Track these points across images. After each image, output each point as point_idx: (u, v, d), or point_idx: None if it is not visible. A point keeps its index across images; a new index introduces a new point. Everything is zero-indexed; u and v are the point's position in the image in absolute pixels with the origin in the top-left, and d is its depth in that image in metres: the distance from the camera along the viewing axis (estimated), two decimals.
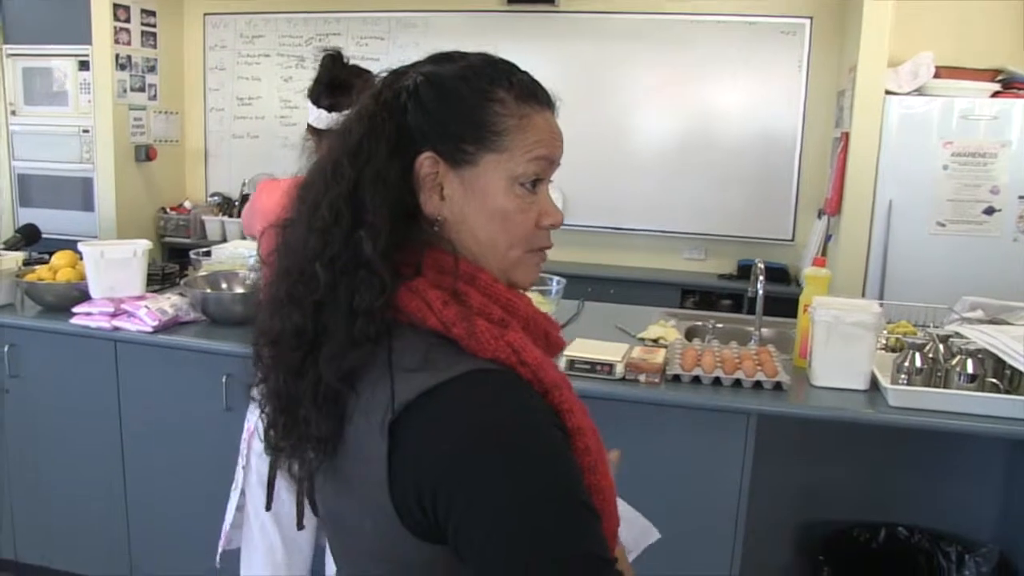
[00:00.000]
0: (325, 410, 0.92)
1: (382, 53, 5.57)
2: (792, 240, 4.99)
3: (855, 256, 4.26)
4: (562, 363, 2.45)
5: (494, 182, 0.96)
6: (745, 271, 4.83)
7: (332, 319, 0.91)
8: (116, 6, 5.47)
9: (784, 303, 3.23)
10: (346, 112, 1.01)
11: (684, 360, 2.45)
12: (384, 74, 1.01)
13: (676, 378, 2.42)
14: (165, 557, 2.95)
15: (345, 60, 2.24)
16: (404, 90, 0.97)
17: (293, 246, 0.97)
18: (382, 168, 0.93)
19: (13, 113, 5.87)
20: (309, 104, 2.25)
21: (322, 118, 2.20)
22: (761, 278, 2.81)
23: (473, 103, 0.96)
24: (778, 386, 2.37)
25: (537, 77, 1.07)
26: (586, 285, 4.71)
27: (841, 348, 2.38)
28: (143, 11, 5.67)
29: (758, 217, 5.07)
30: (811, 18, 4.84)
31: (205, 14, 5.96)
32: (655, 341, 2.79)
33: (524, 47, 5.31)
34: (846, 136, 4.29)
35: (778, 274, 4.62)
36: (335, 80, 2.18)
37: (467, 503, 0.82)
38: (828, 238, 4.55)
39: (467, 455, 0.83)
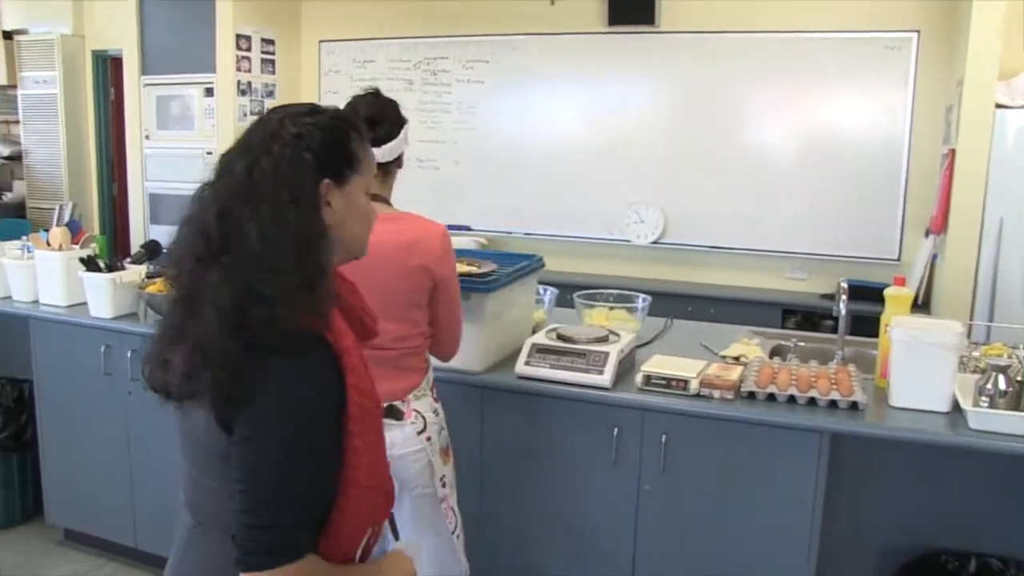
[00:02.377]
0: (230, 344, 1.26)
1: (487, 76, 5.73)
2: (898, 260, 4.86)
3: (962, 276, 4.14)
4: (638, 378, 2.50)
5: (359, 193, 1.41)
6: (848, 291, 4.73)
7: (234, 296, 1.27)
8: (239, 36, 5.81)
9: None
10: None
11: (759, 377, 2.46)
12: (275, 123, 1.35)
13: (751, 395, 2.43)
14: None
15: (380, 97, 2.31)
16: (299, 137, 1.32)
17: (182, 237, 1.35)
18: (288, 195, 1.30)
19: (147, 138, 6.29)
20: None
21: None
22: (844, 297, 2.79)
23: (344, 140, 1.38)
24: (854, 405, 2.35)
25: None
26: (685, 304, 4.72)
27: (920, 368, 2.35)
28: (263, 40, 6.01)
29: (863, 236, 4.96)
30: (918, 32, 4.73)
31: (320, 41, 6.25)
32: (736, 359, 2.80)
33: (625, 68, 5.38)
34: (953, 152, 4.18)
35: (878, 294, 4.50)
36: (372, 116, 2.25)
37: (253, 409, 1.22)
38: (934, 257, 4.43)
39: (265, 382, 1.22)
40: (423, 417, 2.24)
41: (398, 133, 2.26)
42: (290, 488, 1.21)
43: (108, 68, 6.83)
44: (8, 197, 7.18)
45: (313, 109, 1.39)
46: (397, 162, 2.30)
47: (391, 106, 2.30)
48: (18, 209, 7.10)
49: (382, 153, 2.20)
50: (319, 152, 1.33)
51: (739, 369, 2.58)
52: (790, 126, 5.09)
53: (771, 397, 2.42)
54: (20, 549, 3.60)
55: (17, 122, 7.11)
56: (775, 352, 3.05)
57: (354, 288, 1.51)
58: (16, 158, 7.22)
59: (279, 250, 1.25)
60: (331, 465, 1.27)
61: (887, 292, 2.62)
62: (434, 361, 2.37)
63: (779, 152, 5.13)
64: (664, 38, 5.28)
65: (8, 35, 7.00)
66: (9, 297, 3.55)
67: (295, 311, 1.23)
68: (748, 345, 2.92)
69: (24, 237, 3.65)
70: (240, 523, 1.20)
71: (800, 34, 4.96)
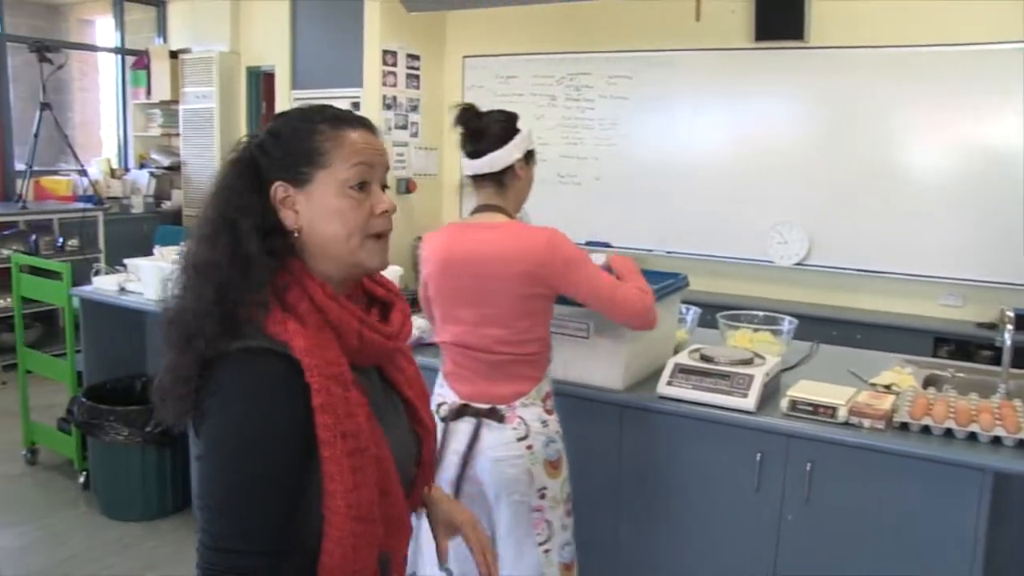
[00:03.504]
0: (196, 363, 1.23)
1: (630, 91, 5.70)
2: None
3: None
4: (784, 403, 2.42)
5: (328, 190, 1.27)
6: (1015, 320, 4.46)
7: (202, 305, 1.24)
8: (385, 52, 5.98)
9: None
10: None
11: (914, 408, 2.35)
12: (246, 136, 1.35)
13: (904, 426, 2.32)
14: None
15: (479, 111, 2.34)
16: (255, 144, 1.31)
17: (189, 251, 1.31)
18: (240, 201, 1.27)
19: None
20: (461, 153, 2.37)
21: (467, 165, 2.34)
22: (1010, 327, 2.63)
23: (300, 137, 1.29)
24: (1021, 444, 2.21)
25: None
26: (829, 328, 4.57)
27: None
28: (408, 55, 6.16)
29: None
30: None
31: (464, 56, 6.37)
32: (887, 387, 2.67)
33: (772, 84, 5.25)
34: None
35: None
36: (472, 130, 2.30)
37: (205, 426, 1.20)
38: None
39: (216, 399, 1.19)
40: (527, 425, 2.25)
41: (501, 146, 2.28)
42: (240, 511, 1.17)
43: (261, 83, 7.14)
44: (167, 205, 7.59)
45: (291, 111, 1.36)
46: (511, 173, 2.32)
47: (495, 118, 2.33)
48: (175, 217, 7.49)
49: (482, 164, 2.29)
50: (270, 154, 1.29)
51: (891, 398, 2.46)
52: (944, 144, 4.85)
53: (926, 429, 2.30)
54: (170, 539, 3.76)
55: (177, 135, 7.51)
56: (929, 382, 2.90)
57: (397, 303, 1.41)
58: (175, 168, 7.62)
59: (205, 264, 1.24)
60: (292, 489, 1.20)
61: None
62: (560, 374, 2.38)
63: (932, 171, 4.89)
64: (812, 53, 5.13)
65: (174, 54, 7.42)
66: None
67: (217, 327, 1.20)
68: (900, 374, 2.79)
69: (181, 243, 3.82)
70: (198, 541, 1.20)
71: (956, 47, 4.72)
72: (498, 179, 2.31)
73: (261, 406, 1.18)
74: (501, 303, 2.23)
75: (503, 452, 2.23)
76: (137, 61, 7.70)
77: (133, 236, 6.90)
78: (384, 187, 1.33)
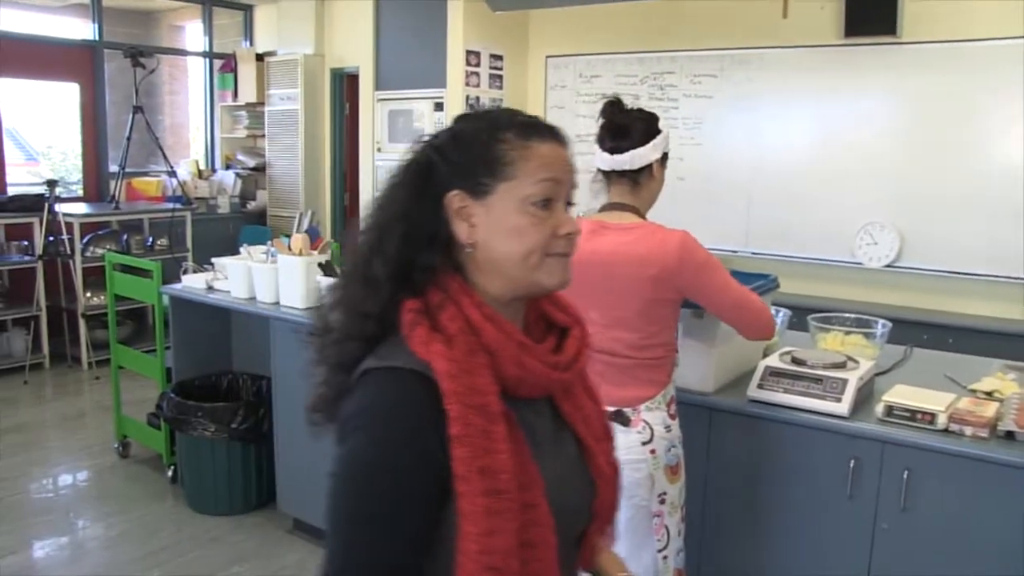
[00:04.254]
0: (336, 376, 1.18)
1: (715, 90, 5.62)
2: None
3: None
4: (879, 408, 2.34)
5: (509, 205, 1.15)
6: None
7: (348, 319, 1.19)
8: (468, 52, 6.00)
9: None
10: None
11: (1020, 416, 2.24)
12: (425, 137, 1.23)
13: (1009, 435, 2.22)
14: None
15: (625, 107, 2.32)
16: (433, 146, 1.19)
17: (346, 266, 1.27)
18: (404, 208, 1.17)
19: (379, 150, 6.60)
20: (596, 147, 2.34)
21: (605, 160, 2.30)
22: None
23: (483, 144, 1.16)
24: None
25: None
26: (922, 332, 4.42)
27: None
28: (492, 56, 6.17)
29: None
30: None
31: (547, 56, 6.35)
32: (988, 394, 2.56)
33: (862, 81, 5.11)
34: None
35: None
36: (616, 125, 2.28)
37: (337, 446, 1.11)
38: None
39: (349, 421, 1.11)
40: (651, 429, 2.22)
41: (643, 144, 2.27)
42: (359, 542, 1.08)
43: (344, 84, 7.24)
44: (252, 205, 7.74)
45: (481, 113, 1.23)
46: (647, 173, 2.30)
47: (638, 116, 2.32)
48: (260, 216, 7.64)
49: (623, 160, 2.26)
50: (449, 159, 1.17)
51: (994, 405, 2.36)
52: None
53: None
54: (255, 534, 3.83)
55: (263, 136, 7.66)
56: None
57: (574, 329, 1.29)
58: (260, 169, 7.78)
59: (361, 273, 1.17)
60: (419, 524, 1.09)
61: None
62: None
63: None
64: (905, 49, 4.97)
65: (260, 57, 7.57)
66: (253, 298, 3.80)
67: (364, 342, 1.15)
68: (1003, 379, 2.67)
69: (268, 242, 3.90)
70: (320, 568, 1.12)
71: None
72: (634, 177, 2.29)
73: (394, 431, 1.09)
74: (631, 306, 2.21)
75: (627, 456, 2.17)
76: (224, 64, 7.88)
77: (219, 236, 7.08)
78: (569, 204, 1.22)
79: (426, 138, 1.22)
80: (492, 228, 1.15)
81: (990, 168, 4.80)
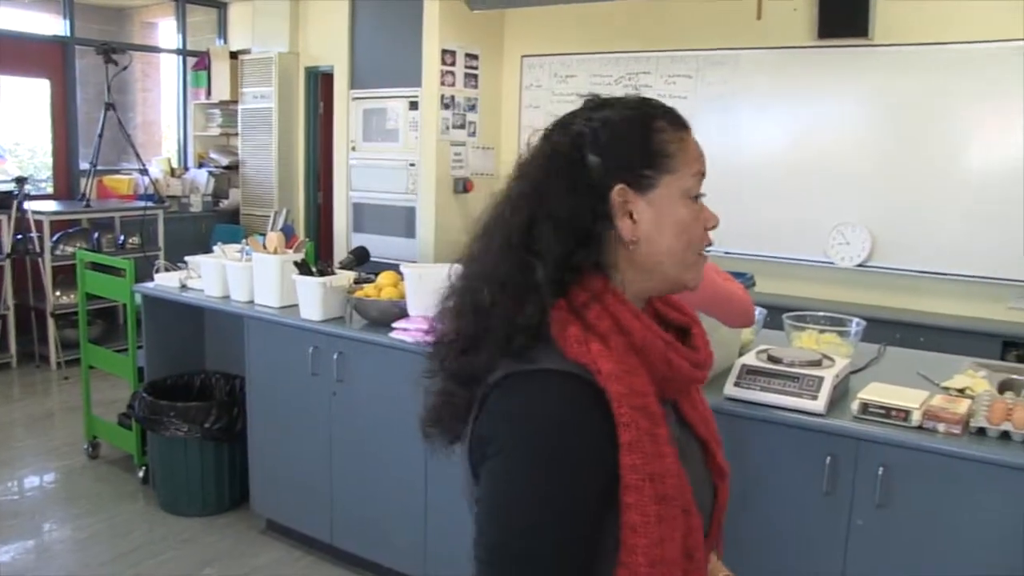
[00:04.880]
0: (465, 388, 1.10)
1: (689, 91, 5.64)
2: None
3: None
4: (854, 406, 2.35)
5: (672, 198, 1.11)
6: None
7: (493, 331, 1.07)
8: (444, 51, 5.99)
9: None
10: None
11: (992, 413, 2.27)
12: (551, 127, 1.14)
13: (981, 431, 2.24)
14: (457, 564, 3.14)
15: None
16: (579, 136, 1.10)
17: (470, 270, 1.15)
18: (557, 205, 1.08)
19: (353, 149, 6.57)
20: None
21: None
22: None
23: (643, 136, 1.11)
24: None
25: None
26: (894, 331, 4.46)
27: None
28: (467, 55, 6.17)
29: None
30: None
31: (522, 56, 6.36)
32: (960, 391, 2.59)
33: (835, 83, 5.16)
34: None
35: None
36: None
37: (491, 463, 1.02)
38: None
39: (504, 431, 1.02)
40: None
41: None
42: (524, 567, 0.98)
43: (319, 83, 7.20)
44: (224, 204, 7.69)
45: (617, 101, 1.15)
46: None
47: None
48: (232, 215, 7.59)
49: None
50: (605, 151, 1.08)
51: (966, 402, 2.38)
52: (1012, 143, 4.70)
53: (1005, 435, 2.22)
54: (228, 534, 3.80)
55: (236, 135, 7.61)
56: (1005, 387, 2.79)
57: (695, 327, 1.24)
58: (233, 168, 7.73)
59: (503, 273, 1.08)
60: (591, 546, 1.01)
61: None
62: None
63: (999, 171, 4.75)
64: (877, 51, 5.02)
65: (234, 55, 7.52)
66: (227, 296, 3.77)
67: (504, 344, 1.05)
68: (974, 377, 2.69)
69: (243, 241, 3.86)
70: None
71: None
72: None
73: (564, 441, 1.00)
74: None
75: None
76: (198, 62, 7.82)
77: (192, 234, 7.02)
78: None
79: (557, 128, 1.14)
80: (657, 223, 1.10)
81: (960, 169, 4.86)
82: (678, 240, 1.11)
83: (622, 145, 1.10)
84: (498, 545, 1.00)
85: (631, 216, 1.09)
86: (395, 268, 3.39)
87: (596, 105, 1.15)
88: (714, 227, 1.17)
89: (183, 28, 7.98)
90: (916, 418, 2.28)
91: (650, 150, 1.10)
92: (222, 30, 8.04)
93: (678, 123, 1.14)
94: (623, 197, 1.09)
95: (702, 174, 1.15)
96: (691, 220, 1.12)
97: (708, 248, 1.17)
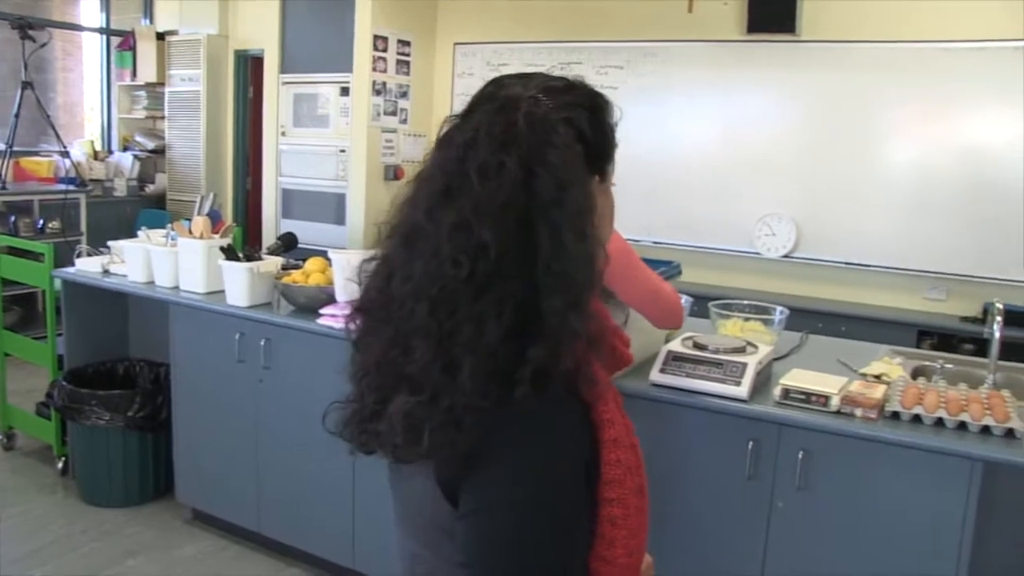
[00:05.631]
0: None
1: (621, 82, 5.68)
2: None
3: None
4: (777, 391, 2.41)
5: (608, 188, 1.12)
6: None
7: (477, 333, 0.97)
8: (376, 37, 5.94)
9: None
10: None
11: (905, 397, 2.34)
12: (524, 107, 1.01)
13: (895, 415, 2.32)
14: (385, 553, 3.13)
15: None
16: (566, 123, 1.01)
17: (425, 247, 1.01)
18: (583, 191, 1.02)
19: (283, 134, 6.48)
20: None
21: None
22: (999, 319, 2.64)
23: (611, 128, 1.09)
24: (1010, 433, 2.21)
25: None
26: (816, 320, 4.56)
27: None
28: (399, 41, 6.12)
29: (1011, 258, 4.70)
30: None
31: (455, 43, 6.34)
32: (877, 377, 2.67)
33: (764, 77, 5.25)
34: None
35: None
36: None
37: (478, 475, 0.95)
38: None
39: (494, 441, 0.95)
40: None
41: None
42: (531, 571, 0.95)
43: (248, 67, 7.08)
44: (150, 188, 7.52)
45: (574, 83, 1.08)
46: None
47: None
48: (159, 200, 7.43)
49: None
50: (590, 142, 1.04)
51: (883, 388, 2.46)
52: (935, 141, 4.87)
53: (917, 419, 2.30)
54: (152, 524, 3.73)
55: (163, 118, 7.44)
56: (918, 373, 2.90)
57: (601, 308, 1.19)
58: (160, 152, 7.56)
59: (577, 273, 0.97)
60: (582, 542, 1.00)
61: None
62: None
63: (921, 168, 4.91)
64: (804, 47, 5.13)
65: (161, 36, 7.34)
66: (152, 282, 3.69)
67: (571, 353, 0.96)
68: (890, 364, 2.78)
69: (169, 225, 3.79)
70: None
71: (952, 43, 4.74)
72: None
73: (557, 450, 0.96)
74: None
75: None
76: (123, 42, 7.62)
77: (116, 219, 6.85)
78: None
79: (541, 108, 1.01)
80: (603, 214, 1.09)
81: (882, 163, 5.00)
82: (610, 228, 1.13)
83: (602, 136, 1.08)
84: (493, 565, 0.94)
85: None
86: (324, 255, 3.36)
87: (567, 87, 1.07)
88: None
89: (106, 6, 7.76)
90: (835, 403, 2.34)
91: (614, 142, 1.10)
92: (148, 10, 7.84)
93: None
94: (596, 187, 1.08)
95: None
96: (612, 209, 1.14)
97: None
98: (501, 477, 0.94)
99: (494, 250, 0.94)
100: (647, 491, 1.09)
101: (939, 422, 2.27)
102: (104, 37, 7.81)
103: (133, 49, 7.52)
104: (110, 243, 3.98)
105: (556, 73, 1.10)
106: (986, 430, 2.23)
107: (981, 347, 4.38)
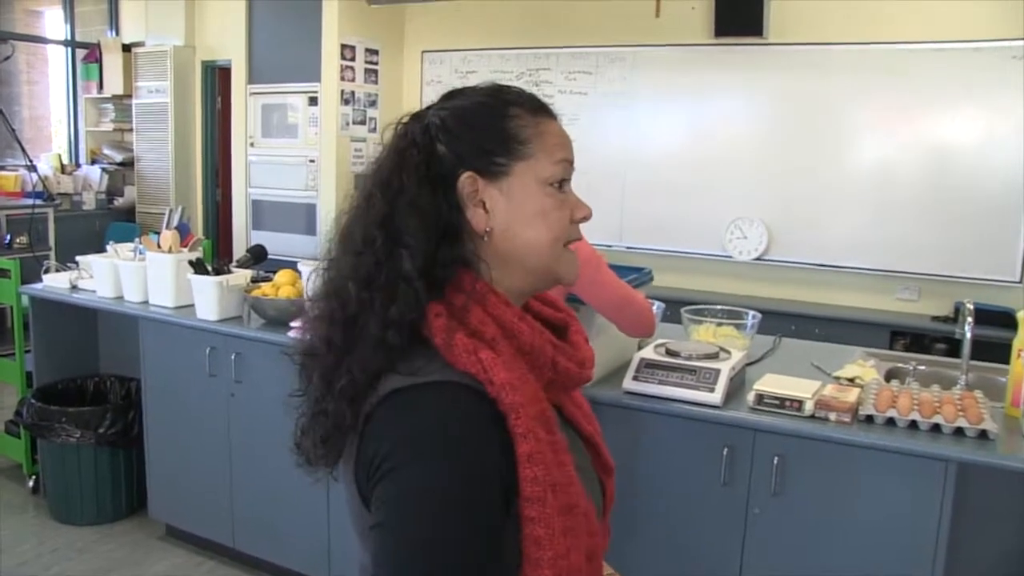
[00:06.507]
0: (349, 404, 1.02)
1: (590, 87, 5.69)
2: (1019, 282, 4.64)
3: None
4: (750, 397, 2.41)
5: (529, 186, 1.06)
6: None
7: (365, 329, 1.01)
8: (344, 46, 5.91)
9: (1005, 350, 3.01)
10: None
11: (879, 400, 2.35)
12: (406, 118, 1.10)
13: (869, 419, 2.32)
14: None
15: None
16: (431, 126, 1.06)
17: (332, 273, 1.08)
18: (414, 196, 1.03)
19: (252, 145, 6.44)
20: None
21: None
22: (970, 319, 2.65)
23: (495, 121, 1.06)
24: (983, 434, 2.22)
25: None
26: (790, 322, 4.59)
27: None
28: (367, 50, 6.10)
29: (980, 256, 4.75)
30: None
31: (423, 51, 6.32)
32: (851, 380, 2.68)
33: (732, 81, 5.27)
34: None
35: (1001, 318, 4.29)
36: None
37: (383, 485, 0.94)
38: None
39: (397, 451, 0.95)
40: None
41: None
42: None
43: (216, 77, 7.03)
44: (119, 201, 7.44)
45: (472, 89, 1.11)
46: None
47: None
48: (128, 213, 7.35)
49: None
50: (454, 138, 1.05)
51: (856, 391, 2.47)
52: (903, 141, 4.91)
53: (891, 422, 2.30)
54: (125, 542, 3.68)
55: (131, 130, 7.37)
56: (891, 375, 2.91)
57: (573, 324, 1.20)
58: (128, 164, 7.48)
59: (366, 278, 1.02)
60: (495, 557, 0.95)
61: (1021, 315, 2.47)
62: None
63: (890, 168, 4.95)
64: (772, 50, 5.16)
65: (127, 48, 7.27)
66: (121, 297, 3.64)
67: (381, 359, 0.99)
68: (863, 367, 2.79)
69: (137, 239, 3.75)
70: None
71: (917, 45, 4.79)
72: None
73: (465, 457, 0.94)
74: None
75: None
76: (88, 54, 7.54)
77: (84, 233, 6.77)
78: None
79: (409, 118, 1.09)
80: (512, 213, 1.05)
81: (851, 164, 5.04)
82: (541, 230, 1.06)
83: (471, 132, 1.06)
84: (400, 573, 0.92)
85: (484, 206, 1.05)
86: (294, 266, 3.33)
87: (450, 94, 1.12)
88: (584, 218, 1.12)
89: (71, 18, 7.68)
90: (809, 408, 2.34)
91: (501, 136, 1.05)
92: (113, 21, 7.76)
93: (536, 108, 1.10)
94: (473, 186, 1.04)
95: (568, 161, 1.10)
96: (552, 209, 1.07)
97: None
98: (393, 492, 0.94)
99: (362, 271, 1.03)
100: (592, 512, 1.04)
101: (913, 424, 2.28)
102: (69, 49, 7.73)
103: (99, 61, 7.45)
104: (78, 258, 3.92)
105: (487, 82, 1.13)
106: (960, 432, 2.24)
107: (954, 346, 4.42)
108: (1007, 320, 4.35)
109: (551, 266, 1.09)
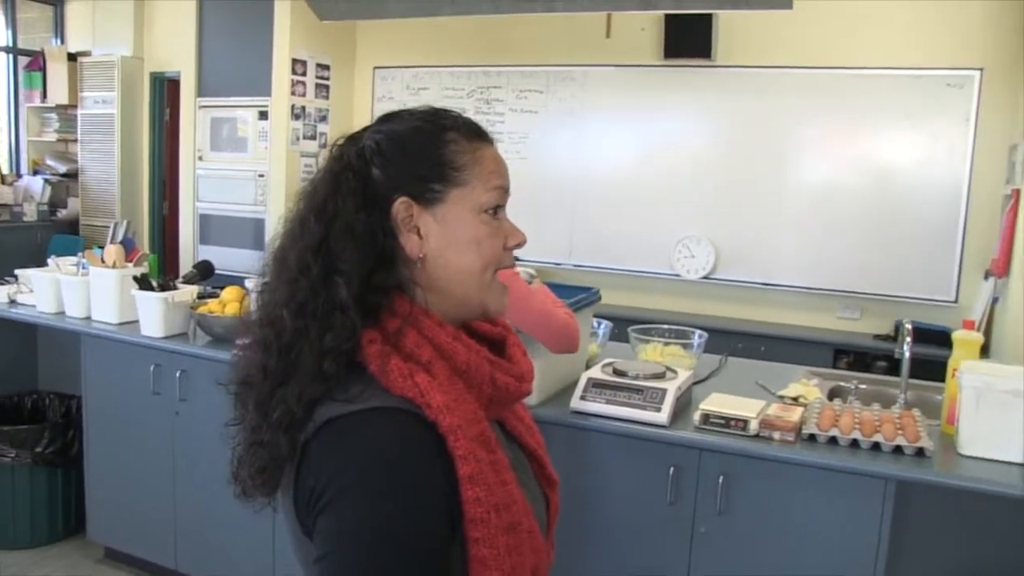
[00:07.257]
0: (285, 434, 1.00)
1: (540, 106, 5.73)
2: (955, 302, 4.76)
3: None
4: (696, 416, 2.43)
5: (463, 214, 1.06)
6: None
7: (301, 358, 1.00)
8: (295, 61, 5.88)
9: (943, 368, 3.07)
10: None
11: (821, 420, 2.39)
12: (341, 140, 1.10)
13: (812, 438, 2.36)
14: None
15: None
16: (366, 150, 1.06)
17: (266, 299, 1.08)
18: (350, 221, 1.02)
19: (200, 158, 6.36)
20: None
21: None
22: (908, 339, 2.71)
23: (431, 147, 1.06)
24: (920, 452, 2.27)
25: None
26: (735, 341, 4.65)
27: (992, 416, 2.25)
28: (318, 65, 6.08)
29: (918, 277, 4.87)
30: (981, 70, 4.65)
31: (375, 67, 6.31)
32: (794, 399, 2.72)
33: (680, 101, 5.35)
34: (1017, 193, 4.07)
35: (938, 337, 4.38)
36: None
37: (325, 516, 0.94)
38: (995, 300, 4.31)
39: (337, 481, 0.94)
40: None
41: None
42: None
43: (165, 90, 6.94)
44: (63, 214, 7.30)
45: (409, 113, 1.11)
46: None
47: None
48: (72, 226, 7.21)
49: None
50: (389, 163, 1.05)
51: (799, 410, 2.51)
52: (846, 163, 5.03)
53: (833, 440, 2.34)
54: (61, 565, 3.59)
55: (75, 141, 7.24)
56: (834, 393, 2.96)
57: (510, 338, 1.20)
58: (72, 176, 7.34)
59: (302, 304, 1.01)
60: None
61: (956, 335, 2.53)
62: None
63: (833, 190, 5.06)
64: (720, 72, 5.24)
65: (72, 57, 7.15)
66: (62, 313, 3.57)
67: (317, 386, 0.99)
68: (806, 386, 2.84)
69: (80, 253, 3.68)
70: None
71: (860, 71, 4.90)
72: None
73: (400, 482, 0.93)
74: None
75: None
76: (32, 62, 7.40)
77: (25, 246, 6.62)
78: None
79: (341, 141, 1.09)
80: (446, 239, 1.05)
81: (795, 185, 5.13)
82: (473, 257, 1.06)
83: (406, 157, 1.05)
84: None
85: (418, 232, 1.05)
86: (242, 282, 3.29)
87: (386, 117, 1.12)
88: (519, 245, 1.13)
89: (13, 24, 7.53)
90: (754, 427, 2.37)
91: (436, 162, 1.05)
92: (58, 29, 7.63)
93: (472, 134, 1.09)
94: (407, 212, 1.04)
95: (503, 188, 1.10)
96: (486, 237, 1.07)
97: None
98: (336, 524, 0.93)
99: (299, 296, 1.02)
100: (536, 529, 1.05)
101: (854, 443, 2.32)
102: (11, 56, 7.58)
103: (43, 70, 7.31)
104: (18, 272, 3.84)
105: (424, 105, 1.13)
106: (898, 450, 2.28)
107: (894, 365, 4.50)
108: (944, 339, 4.44)
109: (478, 296, 1.09)
